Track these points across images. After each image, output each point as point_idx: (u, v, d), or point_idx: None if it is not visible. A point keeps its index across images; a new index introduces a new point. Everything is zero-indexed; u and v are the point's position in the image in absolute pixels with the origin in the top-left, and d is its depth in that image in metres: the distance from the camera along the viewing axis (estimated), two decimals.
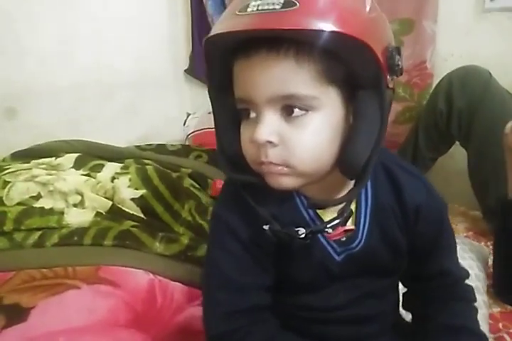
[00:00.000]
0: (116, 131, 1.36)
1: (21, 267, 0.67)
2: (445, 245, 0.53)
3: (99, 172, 0.92)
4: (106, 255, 0.70)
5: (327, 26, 0.35)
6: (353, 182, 0.44)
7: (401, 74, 0.41)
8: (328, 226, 0.42)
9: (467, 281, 0.55)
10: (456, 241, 0.55)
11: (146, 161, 1.01)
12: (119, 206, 0.82)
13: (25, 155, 1.03)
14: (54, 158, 0.98)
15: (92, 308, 0.60)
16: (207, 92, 0.46)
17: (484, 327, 0.72)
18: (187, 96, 1.57)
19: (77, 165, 0.95)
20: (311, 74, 0.39)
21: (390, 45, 0.40)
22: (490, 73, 1.00)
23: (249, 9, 0.37)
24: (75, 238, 0.72)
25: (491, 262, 0.87)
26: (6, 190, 0.80)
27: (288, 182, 0.42)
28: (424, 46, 1.16)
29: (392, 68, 0.39)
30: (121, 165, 0.96)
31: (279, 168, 0.41)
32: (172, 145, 1.16)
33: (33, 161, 0.96)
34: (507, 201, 0.81)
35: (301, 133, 0.40)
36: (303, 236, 0.42)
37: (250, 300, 0.48)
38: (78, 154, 0.99)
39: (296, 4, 0.36)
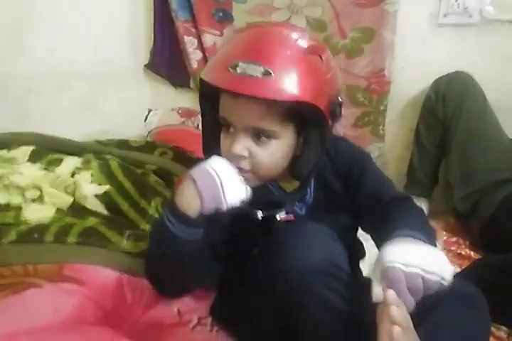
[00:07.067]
0: (71, 125, 1.28)
1: None
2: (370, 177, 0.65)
3: (57, 166, 0.88)
4: (70, 253, 0.67)
5: (291, 96, 0.51)
6: None
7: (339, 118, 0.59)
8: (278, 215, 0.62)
9: None
10: None
11: (108, 156, 0.98)
12: (81, 202, 0.79)
13: None
14: (6, 151, 0.91)
15: (56, 307, 0.58)
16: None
17: None
18: (147, 92, 1.49)
19: (33, 158, 0.89)
20: (276, 117, 0.55)
21: (336, 100, 0.57)
22: (471, 80, 1.11)
23: (238, 70, 0.51)
24: (35, 235, 0.68)
25: None
26: None
27: (251, 183, 0.59)
28: (383, 54, 1.20)
29: (333, 117, 0.57)
30: (81, 159, 0.92)
31: (246, 174, 0.57)
32: (135, 141, 1.13)
33: None
34: None
35: (264, 152, 0.57)
36: (260, 217, 0.61)
37: None
38: (33, 147, 0.93)
39: (271, 74, 0.50)
